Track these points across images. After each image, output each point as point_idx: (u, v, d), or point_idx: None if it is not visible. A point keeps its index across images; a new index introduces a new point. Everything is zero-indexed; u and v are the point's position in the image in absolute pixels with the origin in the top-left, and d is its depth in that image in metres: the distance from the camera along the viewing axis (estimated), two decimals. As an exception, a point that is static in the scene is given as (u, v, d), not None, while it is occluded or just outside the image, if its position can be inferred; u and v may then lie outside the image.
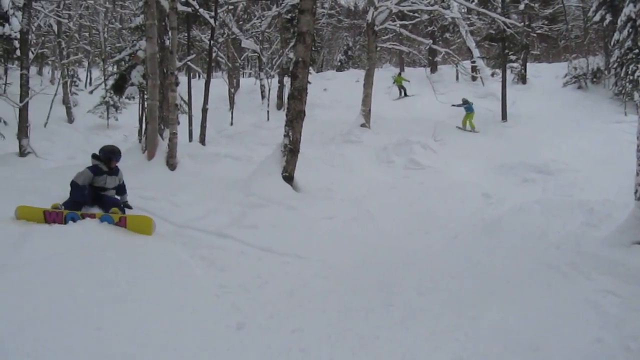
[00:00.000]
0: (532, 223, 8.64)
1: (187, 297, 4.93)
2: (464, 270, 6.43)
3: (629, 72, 21.50)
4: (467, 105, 19.30)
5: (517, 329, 4.78)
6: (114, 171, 7.00)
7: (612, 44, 23.31)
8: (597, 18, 25.47)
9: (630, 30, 21.22)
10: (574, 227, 8.16)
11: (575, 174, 13.22)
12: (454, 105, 19.63)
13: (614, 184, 11.46)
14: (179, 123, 11.42)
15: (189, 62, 19.76)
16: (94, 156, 6.93)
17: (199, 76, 32.82)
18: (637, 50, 20.98)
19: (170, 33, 10.84)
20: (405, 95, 25.47)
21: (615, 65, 23.25)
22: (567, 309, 5.21)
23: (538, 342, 4.51)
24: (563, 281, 6.03)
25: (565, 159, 14.36)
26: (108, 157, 6.89)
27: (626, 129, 16.61)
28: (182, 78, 24.43)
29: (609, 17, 24.32)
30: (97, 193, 6.76)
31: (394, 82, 25.89)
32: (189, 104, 19.82)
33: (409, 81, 25.64)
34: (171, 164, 10.16)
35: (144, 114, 15.23)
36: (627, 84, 21.46)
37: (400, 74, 27.26)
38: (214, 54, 20.13)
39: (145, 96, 13.92)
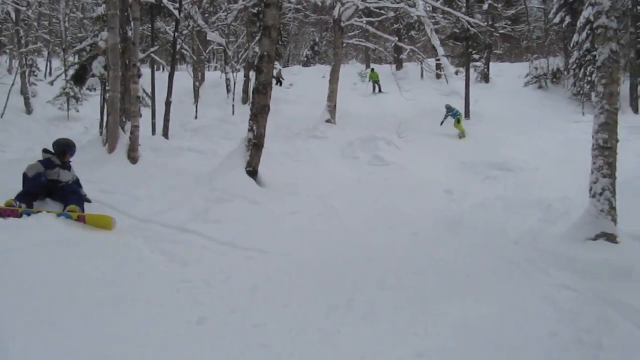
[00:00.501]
0: (493, 220, 8.83)
1: (147, 292, 4.84)
2: (427, 267, 6.51)
3: (587, 73, 22.13)
4: (452, 112, 18.95)
5: (478, 323, 4.87)
6: (67, 166, 6.84)
7: (571, 45, 23.95)
8: (557, 20, 26.10)
9: (589, 32, 21.81)
10: (532, 224, 8.37)
11: (535, 172, 13.53)
12: (442, 122, 19.01)
13: (571, 182, 11.76)
14: (141, 116, 11.22)
15: (152, 54, 19.41)
16: (45, 150, 6.76)
17: (163, 69, 32.29)
18: (594, 52, 21.56)
19: (132, 24, 10.61)
20: (380, 91, 25.68)
21: (574, 66, 23.92)
22: (525, 304, 5.34)
23: (497, 337, 4.59)
24: (522, 276, 6.17)
25: (525, 157, 14.68)
26: (62, 151, 6.73)
27: (584, 128, 17.06)
28: (146, 70, 24.00)
29: (568, 19, 24.95)
30: (53, 185, 6.59)
31: (369, 79, 26.11)
32: (153, 97, 19.48)
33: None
34: (132, 157, 9.98)
35: (105, 106, 14.91)
36: (585, 85, 22.08)
37: (373, 69, 27.49)
38: (178, 47, 19.83)
39: (107, 88, 13.60)
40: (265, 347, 4.28)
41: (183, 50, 24.98)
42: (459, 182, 12.44)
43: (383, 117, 20.55)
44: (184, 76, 27.13)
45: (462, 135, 18.13)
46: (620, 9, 23.16)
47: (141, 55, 15.03)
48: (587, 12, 21.19)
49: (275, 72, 28.55)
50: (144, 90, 18.81)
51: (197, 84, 24.88)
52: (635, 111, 22.68)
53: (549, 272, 6.22)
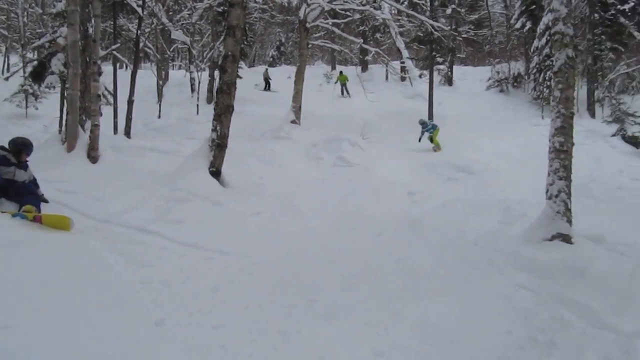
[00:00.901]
0: (453, 221, 8.97)
1: (104, 294, 4.75)
2: (388, 267, 6.57)
3: (547, 78, 22.68)
4: (426, 127, 17.90)
5: (437, 323, 4.94)
6: (23, 165, 6.66)
7: (531, 50, 24.53)
8: (518, 25, 26.69)
9: (548, 38, 22.37)
10: (492, 225, 8.54)
11: (495, 174, 13.79)
12: (420, 139, 17.87)
13: (530, 184, 12.02)
14: (101, 114, 11.00)
15: (114, 52, 19.05)
16: (0, 147, 6.58)
17: (126, 67, 31.73)
18: (553, 58, 22.12)
19: (93, 20, 10.39)
20: (348, 94, 25.73)
21: (534, 71, 24.52)
22: (482, 303, 5.44)
23: (454, 335, 4.68)
24: (480, 276, 6.29)
25: (486, 160, 14.96)
26: (18, 150, 6.56)
27: (543, 131, 17.36)
28: (108, 68, 23.54)
29: (529, 25, 25.54)
30: (9, 185, 6.41)
31: (336, 81, 26.08)
32: (115, 95, 19.10)
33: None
34: (92, 156, 9.77)
35: (65, 104, 14.55)
36: (545, 89, 22.64)
37: (342, 72, 27.37)
38: (141, 45, 19.52)
39: (66, 85, 13.29)
40: (225, 349, 4.25)
41: (146, 49, 24.57)
42: (421, 184, 12.59)
43: (348, 119, 20.67)
44: (147, 75, 26.74)
45: (437, 148, 17.29)
46: (578, 16, 23.86)
47: (102, 53, 14.72)
48: (546, 19, 21.72)
49: (263, 73, 29.09)
50: (106, 88, 18.44)
51: (160, 82, 24.53)
52: (592, 116, 23.36)
53: (506, 272, 6.36)
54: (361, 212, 9.76)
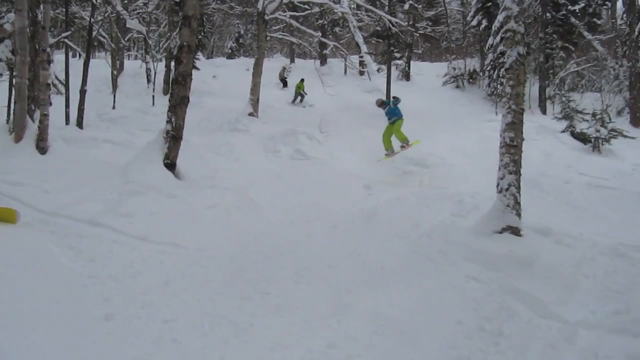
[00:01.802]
0: (407, 213, 9.09)
1: (51, 289, 4.63)
2: (342, 259, 6.62)
3: (500, 74, 23.17)
4: (390, 108, 15.40)
5: (388, 313, 5.01)
6: None
7: (486, 48, 25.00)
8: (474, 23, 27.13)
9: (502, 36, 22.84)
10: (445, 218, 8.69)
11: (450, 168, 14.01)
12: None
13: (484, 177, 12.28)
14: (51, 104, 10.65)
15: (66, 40, 18.46)
16: None
17: (79, 55, 30.79)
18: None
19: (42, 7, 10.04)
20: (301, 101, 24.12)
21: (488, 68, 25.02)
22: (434, 294, 5.55)
23: (405, 326, 4.76)
24: (432, 268, 6.41)
25: (441, 154, 15.18)
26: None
27: (497, 127, 17.46)
28: (60, 56, 22.81)
29: (485, 23, 25.98)
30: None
31: (297, 89, 24.33)
32: (67, 85, 18.51)
33: (306, 94, 24.13)
34: (41, 147, 9.45)
35: (13, 93, 14.04)
36: (499, 86, 23.12)
37: (302, 80, 24.71)
38: (94, 33, 18.99)
39: (14, 73, 12.81)
40: (176, 342, 4.22)
41: (100, 37, 23.93)
42: (377, 177, 12.69)
43: (305, 112, 20.66)
44: (101, 64, 26.00)
45: (406, 144, 14.61)
46: (531, 15, 24.46)
47: (52, 40, 14.28)
48: (501, 17, 22.12)
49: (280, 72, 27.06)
50: (57, 77, 17.88)
51: (115, 72, 23.91)
52: (544, 112, 24.02)
53: (458, 264, 6.49)
54: (317, 205, 9.78)
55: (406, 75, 29.10)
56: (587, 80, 28.35)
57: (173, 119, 9.64)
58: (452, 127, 18.81)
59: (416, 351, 4.37)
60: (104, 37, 24.51)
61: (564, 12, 24.63)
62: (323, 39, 23.43)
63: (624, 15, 27.83)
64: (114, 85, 22.98)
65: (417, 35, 26.87)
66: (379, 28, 23.34)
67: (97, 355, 3.88)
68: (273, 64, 29.95)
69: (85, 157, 9.96)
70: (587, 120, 18.92)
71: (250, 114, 17.82)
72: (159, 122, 15.39)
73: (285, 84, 26.96)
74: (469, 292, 5.59)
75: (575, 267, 6.36)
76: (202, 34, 27.74)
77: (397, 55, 26.01)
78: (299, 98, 24.11)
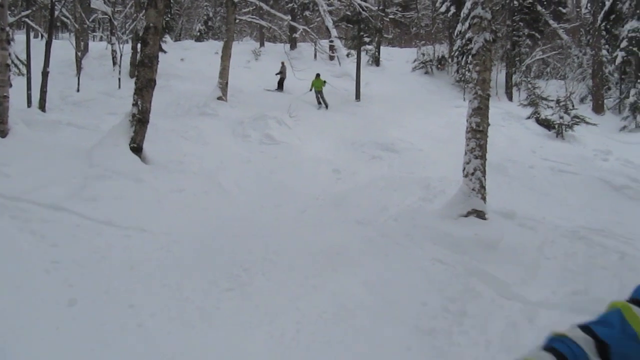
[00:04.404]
0: (376, 198, 9.17)
1: (12, 274, 4.54)
2: (310, 243, 6.64)
3: (468, 61, 23.42)
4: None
5: (354, 296, 5.07)
6: None
7: (455, 34, 25.19)
8: (443, 9, 27.29)
9: (470, 22, 23.07)
10: (412, 202, 8.80)
11: (418, 153, 14.14)
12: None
13: (451, 162, 12.44)
14: (11, 85, 10.33)
15: (27, 19, 17.91)
16: None
17: (41, 36, 29.90)
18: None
19: (1, -16, 9.70)
20: (324, 104, 19.41)
21: (457, 54, 25.25)
22: (400, 276, 5.63)
23: (371, 307, 4.82)
24: (399, 251, 6.49)
25: (410, 139, 15.29)
26: None
27: (464, 113, 17.71)
28: (21, 37, 22.12)
29: (453, 9, 26.16)
30: None
31: (310, 88, 19.81)
32: (28, 66, 17.99)
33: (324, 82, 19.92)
34: (1, 130, 9.17)
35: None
36: (466, 72, 23.35)
37: (318, 76, 20.11)
38: (57, 13, 18.45)
39: (-27, 54, 12.38)
40: (142, 327, 4.20)
41: (63, 18, 23.27)
42: (346, 161, 12.73)
43: (274, 96, 20.52)
44: (65, 45, 25.33)
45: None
46: (499, 3, 24.70)
47: (11, 19, 13.83)
48: (469, 3, 22.28)
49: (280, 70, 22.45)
50: (17, 57, 17.37)
51: (79, 54, 23.33)
52: (510, 99, 24.40)
53: (424, 246, 6.59)
54: (286, 190, 9.78)
55: (376, 61, 29.15)
56: (552, 67, 28.90)
57: (139, 102, 9.48)
58: (421, 113, 18.95)
59: (381, 332, 4.43)
60: (67, 18, 23.84)
61: (530, 0, 24.97)
62: (293, 23, 23.27)
63: (588, 4, 28.36)
64: (78, 67, 22.44)
65: (387, 20, 26.87)
66: (349, 12, 23.20)
67: (59, 342, 3.83)
68: (242, 47, 29.64)
69: (48, 141, 9.74)
70: (552, 107, 19.33)
71: (219, 98, 17.60)
72: (125, 105, 15.08)
73: (281, 85, 22.46)
74: (435, 274, 5.68)
75: (537, 250, 6.53)
76: (170, 15, 27.22)
77: (367, 40, 25.97)
78: (322, 102, 19.44)
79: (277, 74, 22.54)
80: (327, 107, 19.26)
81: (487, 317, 4.74)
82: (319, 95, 19.43)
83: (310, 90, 19.64)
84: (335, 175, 11.26)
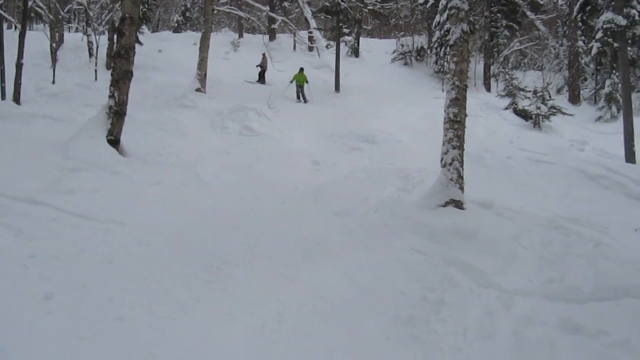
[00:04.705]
0: (355, 189, 9.20)
1: (-12, 269, 4.48)
2: (289, 234, 6.66)
3: (447, 52, 23.54)
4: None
5: (334, 286, 5.10)
6: None
7: (434, 25, 25.28)
8: (422, 0, 27.35)
9: (449, 13, 23.16)
10: (391, 192, 8.85)
11: (397, 144, 14.21)
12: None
13: (430, 153, 12.51)
14: (-16, 77, 10.15)
15: (0, 10, 17.52)
16: None
17: (15, 27, 29.28)
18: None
19: (-28, -27, 9.51)
20: (303, 99, 19.07)
21: (436, 45, 25.35)
22: (379, 267, 5.67)
23: (350, 297, 4.85)
24: (378, 241, 6.53)
25: (389, 130, 15.35)
26: None
27: (443, 104, 18.12)
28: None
29: (432, 0, 26.22)
30: None
31: (291, 80, 19.46)
32: (1, 57, 17.60)
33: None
34: (-26, 123, 9.04)
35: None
36: (445, 63, 23.50)
37: (301, 70, 19.76)
38: (30, 3, 18.09)
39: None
40: (121, 320, 4.18)
41: (37, 8, 22.81)
42: (326, 153, 12.74)
43: (253, 87, 20.41)
44: (39, 36, 24.86)
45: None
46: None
47: (-16, 10, 13.51)
48: (448, -5, 22.41)
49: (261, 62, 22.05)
50: (-10, 50, 16.97)
51: (54, 45, 22.91)
52: (488, 90, 24.60)
53: (403, 237, 6.64)
54: (266, 181, 9.76)
55: (355, 52, 29.15)
56: (530, 58, 29.19)
57: (116, 94, 9.37)
58: (400, 104, 19.02)
59: (361, 322, 4.47)
60: (41, 8, 23.38)
61: (508, -9, 25.16)
62: (271, 14, 23.10)
63: (565, -5, 28.65)
64: (54, 59, 22.04)
65: (366, 11, 26.88)
66: (327, 3, 23.12)
67: (36, 336, 3.79)
68: (221, 39, 29.40)
69: (23, 134, 9.59)
70: (529, 98, 19.54)
71: (198, 90, 17.46)
72: (101, 97, 14.87)
73: (262, 77, 22.06)
74: (413, 264, 5.73)
75: (514, 239, 6.61)
76: (147, 6, 26.80)
77: (346, 31, 25.89)
78: (301, 95, 19.13)
79: (257, 66, 22.31)
80: (305, 102, 19.07)
81: (464, 306, 4.81)
82: (300, 90, 19.17)
83: (292, 82, 19.30)
84: (315, 166, 11.26)
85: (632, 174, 11.23)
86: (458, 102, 7.59)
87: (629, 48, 16.94)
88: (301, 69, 19.79)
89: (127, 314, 4.26)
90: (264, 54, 21.73)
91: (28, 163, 7.71)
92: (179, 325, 4.18)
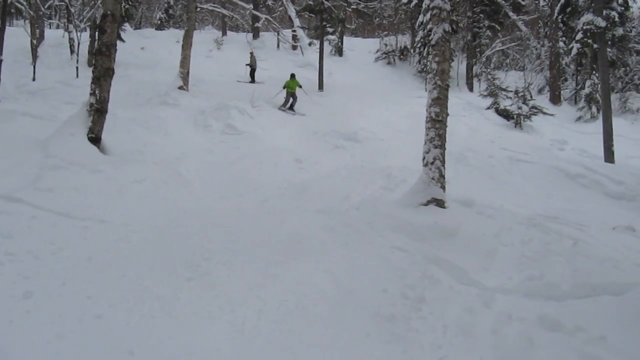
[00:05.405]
0: (337, 187, 9.23)
1: (-37, 268, 4.41)
2: (271, 232, 6.64)
3: (429, 52, 23.71)
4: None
5: (315, 284, 5.10)
6: None
7: (417, 25, 25.42)
8: (405, 0, 27.48)
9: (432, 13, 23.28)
10: (373, 191, 8.89)
11: (380, 142, 14.27)
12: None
13: (413, 152, 12.58)
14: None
15: (-22, 5, 17.23)
16: None
17: (-6, 23, 28.83)
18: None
19: (-51, -32, 9.35)
20: (292, 107, 17.67)
21: (419, 45, 25.50)
22: (361, 264, 5.69)
23: (332, 295, 4.86)
24: (360, 239, 6.55)
25: (372, 128, 15.42)
26: None
27: (425, 103, 18.27)
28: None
29: (415, 1, 26.35)
30: None
31: (284, 86, 18.24)
32: (-20, 54, 17.38)
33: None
34: (-49, 119, 8.89)
35: None
36: (428, 63, 23.66)
37: (293, 76, 18.50)
38: (10, -1, 17.82)
39: None
40: (100, 319, 4.15)
41: (17, 4, 22.51)
42: (309, 151, 12.74)
43: (236, 86, 20.34)
44: (19, 33, 24.53)
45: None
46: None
47: (-37, 6, 13.28)
48: (431, -6, 22.52)
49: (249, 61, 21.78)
50: (-31, 46, 16.71)
51: (34, 42, 22.62)
52: (470, 89, 24.81)
53: (385, 235, 6.66)
54: (248, 179, 9.74)
55: (339, 51, 29.21)
56: (512, 59, 29.48)
57: (97, 92, 9.28)
58: (383, 103, 19.11)
59: (342, 319, 4.49)
60: (21, 4, 23.08)
61: (490, -9, 25.38)
62: (255, 12, 23.08)
63: (546, -4, 28.97)
64: (34, 56, 21.77)
65: (350, 10, 26.84)
66: (311, 2, 23.10)
67: (13, 335, 3.75)
68: (204, 36, 29.26)
69: (2, 131, 9.47)
70: (511, 98, 19.75)
71: (180, 88, 17.35)
72: (83, 94, 14.68)
73: (252, 76, 21.69)
74: (395, 262, 5.76)
75: (495, 237, 6.67)
76: (129, 3, 26.59)
77: (330, 30, 25.97)
78: (290, 102, 17.69)
79: (247, 65, 22.20)
80: (293, 109, 17.48)
81: (445, 303, 4.84)
82: (291, 98, 17.62)
83: (284, 88, 17.94)
84: (298, 164, 11.26)
85: (610, 173, 11.40)
86: (440, 102, 7.65)
87: (608, 49, 17.22)
88: (292, 75, 18.54)
89: (106, 312, 4.23)
90: (251, 53, 21.65)
91: (7, 161, 7.59)
92: (158, 323, 4.16)
